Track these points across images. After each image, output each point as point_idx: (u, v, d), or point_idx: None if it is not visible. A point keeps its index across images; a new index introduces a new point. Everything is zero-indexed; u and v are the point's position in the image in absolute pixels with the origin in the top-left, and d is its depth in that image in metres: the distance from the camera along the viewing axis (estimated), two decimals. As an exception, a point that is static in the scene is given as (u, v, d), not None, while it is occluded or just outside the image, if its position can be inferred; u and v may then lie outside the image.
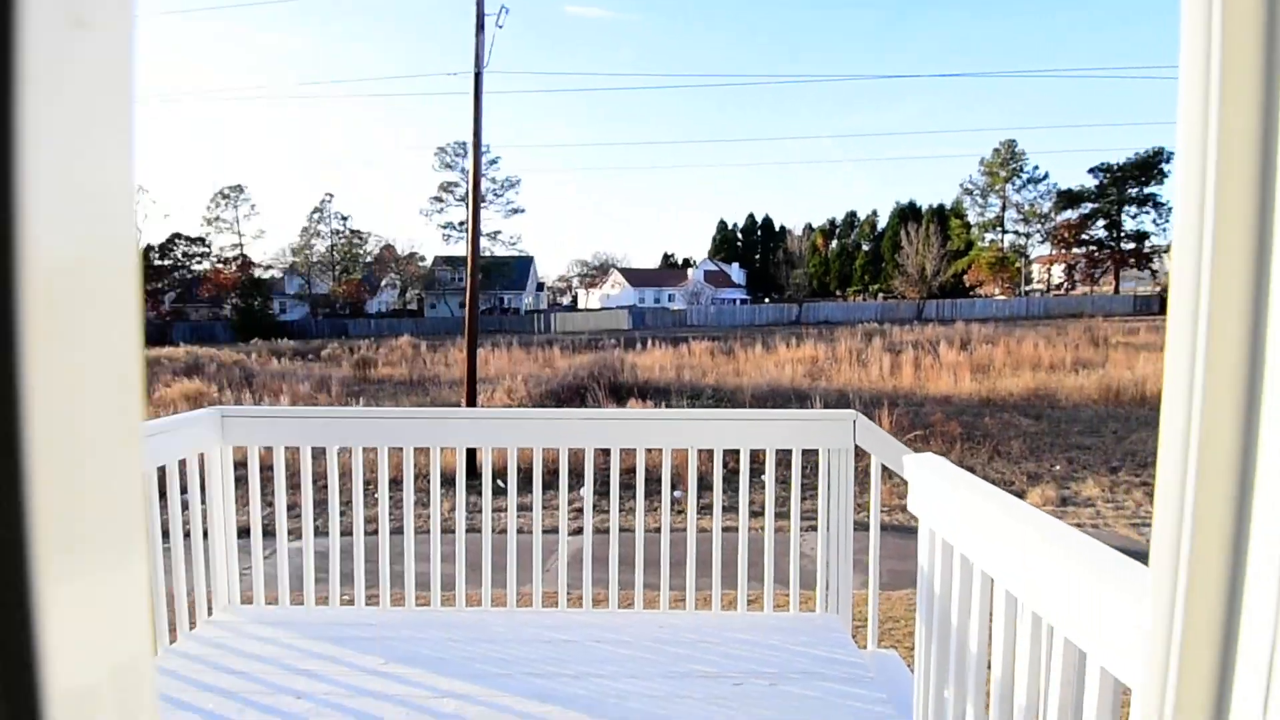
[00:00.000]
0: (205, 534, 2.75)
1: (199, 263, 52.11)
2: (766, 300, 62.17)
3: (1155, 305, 44.70)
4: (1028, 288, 56.15)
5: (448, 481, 8.44)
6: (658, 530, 2.97)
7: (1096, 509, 8.85)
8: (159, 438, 2.45)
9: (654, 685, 2.33)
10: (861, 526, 2.83)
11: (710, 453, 2.90)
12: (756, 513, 8.44)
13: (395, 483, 6.56)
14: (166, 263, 50.90)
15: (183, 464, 2.63)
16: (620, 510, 2.95)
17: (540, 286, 66.21)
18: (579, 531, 6.54)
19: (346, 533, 2.79)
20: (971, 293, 55.72)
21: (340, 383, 17.87)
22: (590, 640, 2.64)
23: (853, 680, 2.37)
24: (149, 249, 50.48)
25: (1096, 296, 48.97)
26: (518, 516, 2.92)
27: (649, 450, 2.93)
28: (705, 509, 7.68)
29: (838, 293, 68.42)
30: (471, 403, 11.24)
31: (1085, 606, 1.23)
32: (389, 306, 57.86)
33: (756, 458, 2.95)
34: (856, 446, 2.83)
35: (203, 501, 2.75)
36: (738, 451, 2.87)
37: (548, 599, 2.95)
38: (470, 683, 2.33)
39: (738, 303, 59.01)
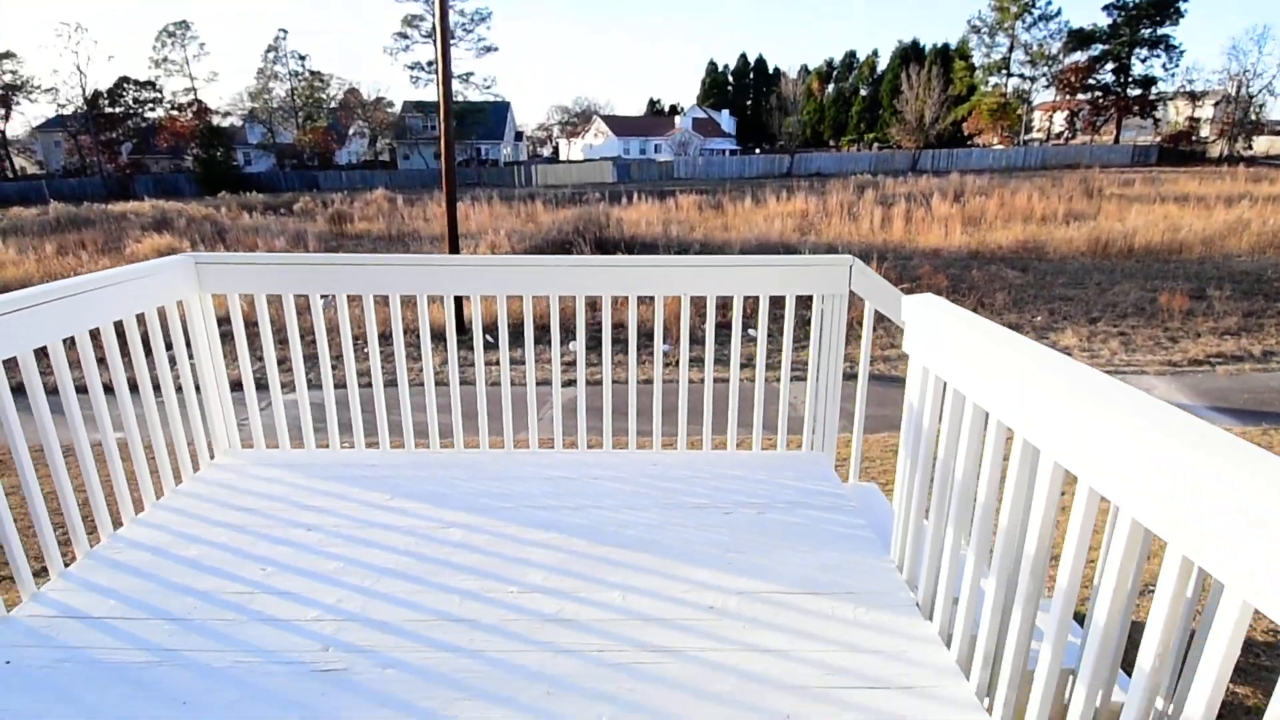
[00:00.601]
0: (197, 388, 2.74)
1: (151, 109, 48.63)
2: (757, 151, 59.68)
3: (1154, 155, 43.53)
4: (1027, 137, 54.20)
5: (437, 336, 8.46)
6: (649, 382, 3.00)
7: (1071, 357, 9.13)
8: (131, 284, 2.36)
9: (649, 515, 2.45)
10: (848, 377, 2.87)
11: (702, 303, 2.87)
12: (746, 365, 8.62)
13: (384, 337, 6.55)
14: (118, 110, 47.43)
15: (163, 314, 2.56)
16: (612, 364, 2.96)
17: (519, 136, 62.86)
18: (571, 384, 6.66)
19: (340, 385, 2.79)
20: (969, 142, 53.77)
21: (317, 238, 17.36)
22: (587, 478, 2.74)
23: (835, 508, 2.51)
24: (97, 95, 46.82)
25: (1096, 146, 47.46)
26: (510, 370, 2.92)
27: (642, 300, 2.89)
28: (696, 361, 7.82)
29: (831, 143, 65.76)
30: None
31: (1078, 431, 1.26)
32: (359, 157, 55.05)
33: (749, 308, 2.92)
34: (851, 293, 2.80)
35: (190, 354, 2.71)
36: (730, 301, 2.84)
37: (543, 445, 3.03)
38: (474, 515, 2.44)
39: (727, 153, 56.67)
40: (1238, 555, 0.94)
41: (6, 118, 48.48)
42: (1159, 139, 48.07)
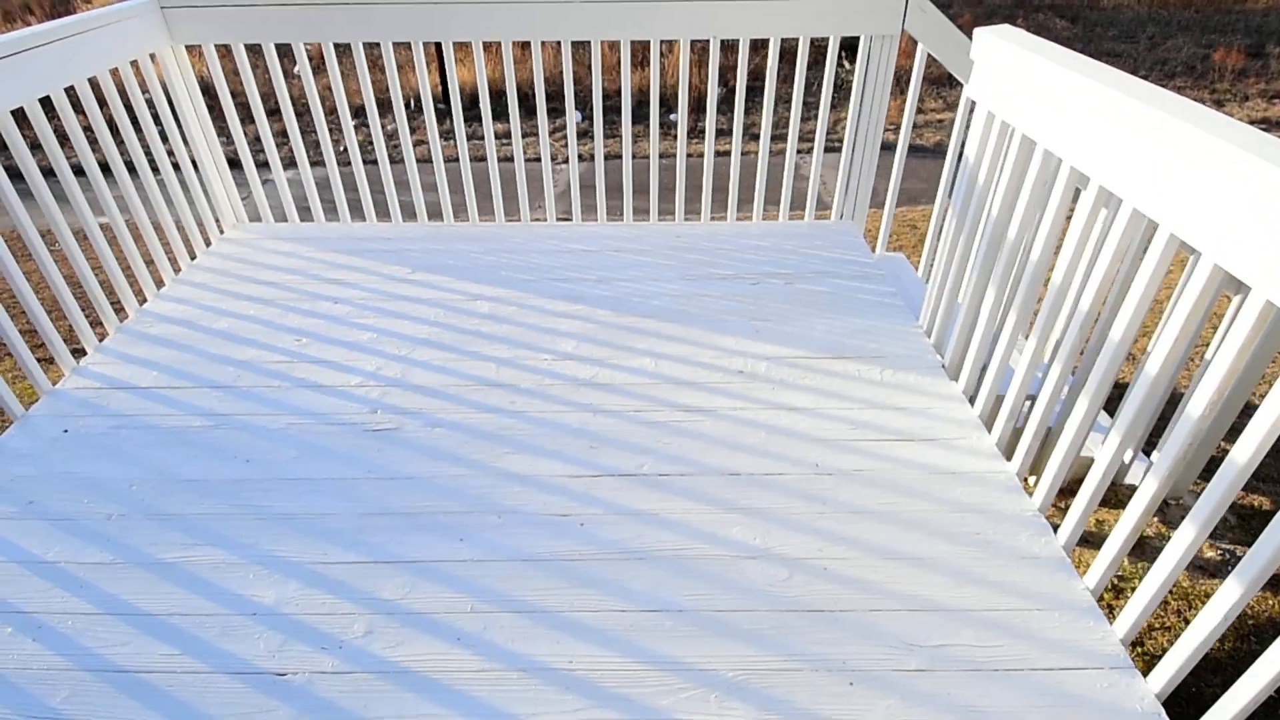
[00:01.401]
0: (193, 160, 2.56)
1: None
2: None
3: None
4: None
5: (437, 104, 7.82)
6: (671, 157, 2.78)
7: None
8: (87, 35, 2.08)
9: (674, 287, 2.42)
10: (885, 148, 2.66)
11: (729, 55, 2.55)
12: (777, 137, 8.12)
13: (383, 105, 6.06)
14: None
15: (138, 70, 2.30)
16: (633, 138, 2.72)
17: None
18: (589, 158, 6.30)
19: (344, 164, 2.59)
20: None
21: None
22: (609, 250, 2.67)
23: (864, 277, 2.47)
24: None
25: None
26: (522, 142, 2.70)
27: (665, 46, 2.57)
28: (722, 134, 7.33)
29: None
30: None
31: (1167, 179, 1.15)
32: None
33: (785, 55, 2.60)
34: (904, 33, 2.49)
35: (175, 118, 2.48)
36: (763, 53, 2.53)
37: (561, 219, 2.92)
38: (499, 288, 2.42)
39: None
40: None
41: None
42: None
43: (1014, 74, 1.62)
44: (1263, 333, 1.22)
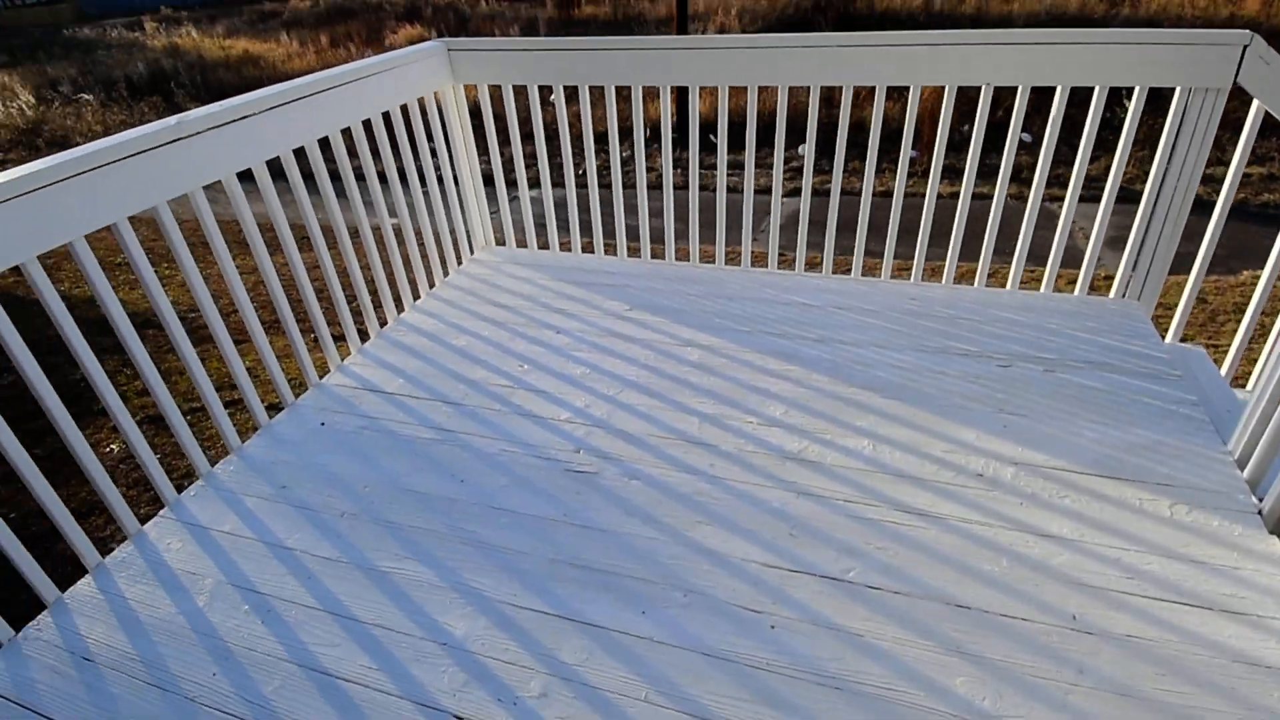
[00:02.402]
0: (455, 179, 2.83)
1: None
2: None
3: None
4: None
5: (677, 137, 8.14)
6: (887, 194, 2.53)
7: None
8: (393, 73, 2.37)
9: (904, 358, 2.18)
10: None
11: (974, 96, 2.25)
12: (1018, 179, 7.28)
13: (623, 132, 6.44)
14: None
15: (422, 105, 2.58)
16: (876, 171, 2.52)
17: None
18: (824, 193, 6.10)
19: (581, 186, 2.73)
20: None
21: (546, 24, 17.11)
22: (831, 307, 2.49)
23: (1152, 376, 2.03)
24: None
25: None
26: (755, 176, 2.62)
27: (926, 92, 2.34)
28: (988, 173, 6.76)
29: None
30: (684, 44, 10.21)
31: None
32: (588, -70, 51.77)
33: (1035, 103, 2.24)
34: (1236, 87, 2.02)
35: (447, 144, 2.76)
36: (1011, 98, 2.20)
37: (783, 264, 2.79)
38: (711, 335, 2.35)
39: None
40: None
41: (281, -93, 51.99)
42: None
43: None
44: None
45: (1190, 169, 2.16)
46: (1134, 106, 2.14)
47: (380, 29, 18.57)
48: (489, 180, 2.99)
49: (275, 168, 1.96)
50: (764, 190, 7.44)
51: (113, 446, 3.83)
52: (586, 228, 2.95)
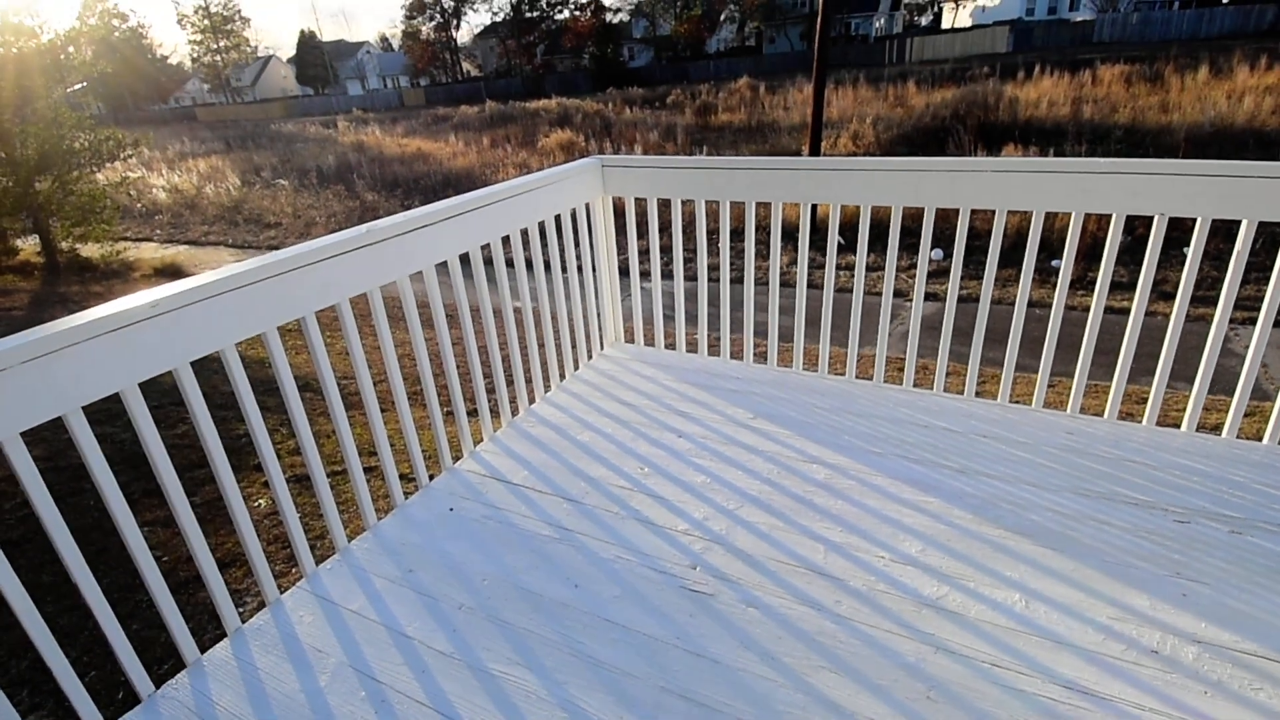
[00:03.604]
0: (594, 280, 2.98)
1: (559, 12, 55.20)
2: (1225, 1, 43.97)
3: None
4: None
5: (788, 236, 8.23)
6: (1082, 309, 2.35)
7: None
8: (555, 186, 2.57)
9: (1061, 501, 1.98)
10: None
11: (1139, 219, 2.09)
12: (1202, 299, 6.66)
13: (760, 230, 6.63)
14: (535, 15, 54.96)
15: (574, 215, 2.77)
16: (1036, 280, 2.39)
17: (895, 4, 56.09)
18: (969, 300, 5.88)
19: (713, 279, 2.79)
20: None
21: (684, 130, 18.14)
22: (974, 434, 2.33)
23: (1376, 553, 1.71)
24: (520, 2, 54.75)
25: None
26: (890, 279, 2.56)
27: (1090, 217, 2.22)
28: (1124, 288, 6.25)
29: (1370, -25, 44.94)
30: (815, 151, 10.44)
31: None
32: (728, 44, 55.38)
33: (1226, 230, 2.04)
34: None
35: (591, 246, 2.93)
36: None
37: (920, 376, 2.66)
38: (839, 453, 2.26)
39: (1175, 6, 42.91)
40: None
41: (457, 26, 59.78)
42: None
43: None
44: None
45: None
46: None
47: (535, 132, 20.47)
48: (624, 270, 3.09)
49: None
50: (901, 293, 7.26)
51: (260, 502, 4.17)
52: (715, 321, 2.98)
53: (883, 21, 51.56)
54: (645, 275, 2.94)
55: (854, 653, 1.53)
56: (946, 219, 2.59)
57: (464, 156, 18.49)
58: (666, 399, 2.67)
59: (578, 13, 53.55)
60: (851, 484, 2.11)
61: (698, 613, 1.66)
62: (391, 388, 2.09)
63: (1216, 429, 2.30)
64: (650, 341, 3.17)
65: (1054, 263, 8.50)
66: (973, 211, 2.34)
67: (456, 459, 2.38)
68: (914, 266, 7.96)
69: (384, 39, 77.76)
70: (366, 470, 4.57)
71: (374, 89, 61.76)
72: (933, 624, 1.59)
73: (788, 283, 8.45)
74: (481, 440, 2.48)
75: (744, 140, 16.89)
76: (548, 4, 55.01)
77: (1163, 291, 6.79)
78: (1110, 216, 2.15)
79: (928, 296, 6.58)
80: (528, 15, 54.35)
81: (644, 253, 3.06)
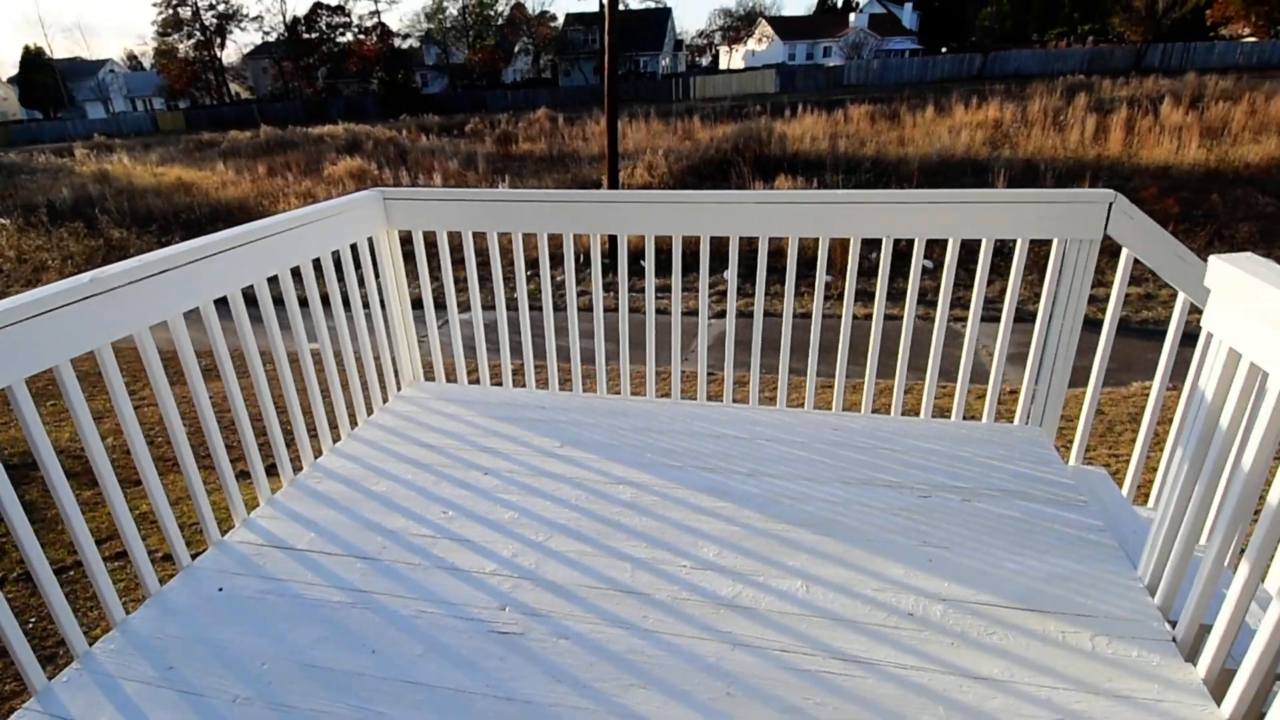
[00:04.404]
0: (385, 319, 2.83)
1: (342, 35, 52.31)
2: (943, 50, 53.01)
3: None
4: (1296, 22, 43.47)
5: (608, 265, 8.48)
6: (834, 317, 2.68)
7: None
8: (328, 221, 2.41)
9: (831, 490, 2.21)
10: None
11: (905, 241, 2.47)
12: (925, 304, 7.82)
13: (553, 259, 6.69)
14: (313, 36, 51.53)
15: (354, 248, 2.62)
16: (796, 296, 2.66)
17: (678, 45, 60.52)
18: (747, 315, 6.40)
19: (511, 308, 2.77)
20: (1212, 34, 44.10)
21: (485, 159, 18.00)
22: (760, 439, 2.54)
23: (1060, 502, 2.12)
24: (295, 22, 51.07)
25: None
26: (681, 296, 2.73)
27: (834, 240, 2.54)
28: (890, 298, 7.14)
29: (1035, 37, 56.80)
30: (614, 181, 10.89)
31: None
32: (523, 75, 56.04)
33: (939, 251, 2.48)
34: (1106, 238, 2.28)
35: (378, 282, 2.78)
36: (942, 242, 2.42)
37: (710, 391, 2.86)
38: (644, 472, 2.34)
39: (907, 54, 50.98)
40: None
41: (222, 45, 54.35)
42: None
43: (1266, 314, 1.36)
44: None
45: (1074, 308, 2.38)
46: (1019, 253, 2.38)
47: (320, 160, 19.07)
48: (417, 303, 2.97)
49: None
50: (691, 312, 7.75)
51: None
52: (517, 349, 2.95)
53: (668, 60, 55.30)
54: (442, 309, 2.83)
55: (661, 664, 1.59)
56: (724, 245, 2.84)
57: (236, 186, 16.74)
58: (471, 436, 2.60)
59: (362, 36, 51.12)
60: (655, 499, 2.20)
61: (508, 655, 1.62)
62: (135, 457, 1.81)
63: (971, 418, 2.71)
64: (452, 378, 3.07)
65: (826, 278, 9.64)
66: (743, 239, 2.58)
67: (226, 530, 2.12)
68: (715, 288, 8.57)
69: (132, 56, 68.56)
70: (114, 557, 3.91)
71: (121, 112, 53.93)
72: (730, 622, 1.70)
73: (587, 308, 8.64)
74: (257, 505, 2.23)
75: (546, 170, 17.13)
76: (328, 25, 51.89)
77: (929, 301, 7.95)
78: (869, 239, 2.48)
79: (723, 314, 7.11)
80: (305, 36, 50.84)
81: (450, 285, 2.96)
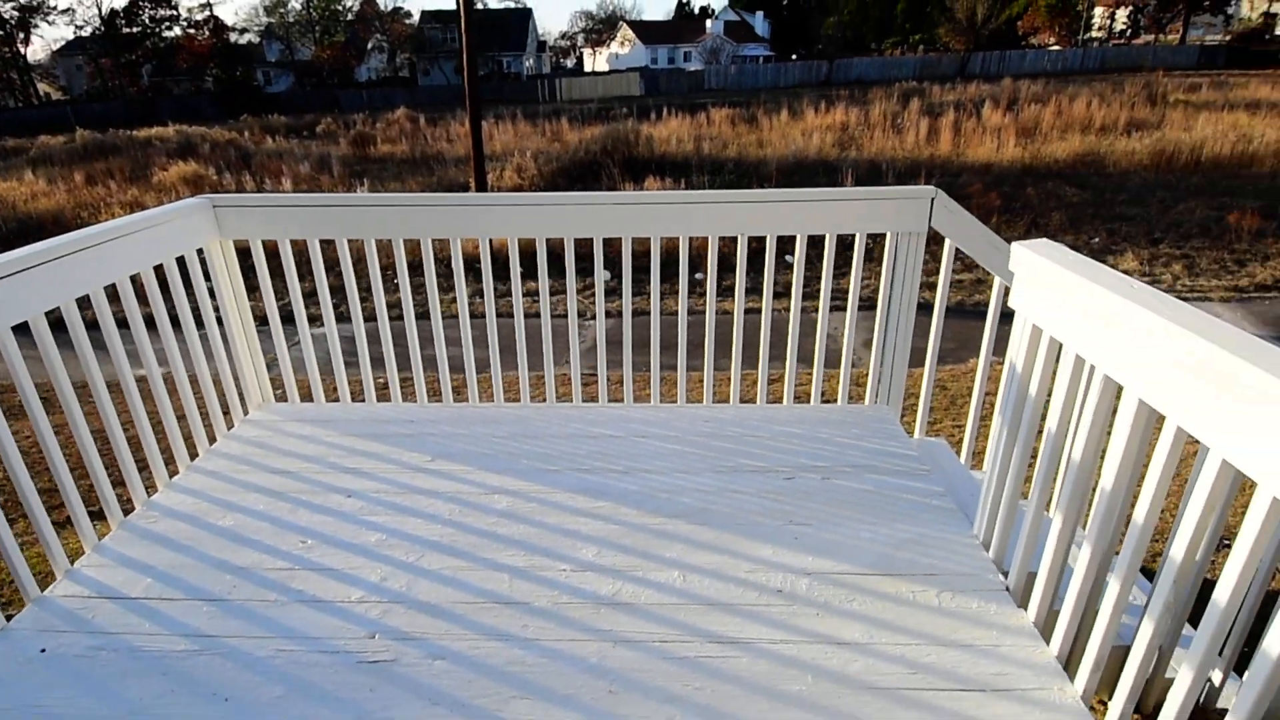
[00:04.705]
0: (225, 340, 2.60)
1: (169, 29, 47.49)
2: (794, 57, 56.30)
3: (1221, 57, 39.86)
4: (1085, 36, 50.23)
5: (468, 268, 8.22)
6: (701, 312, 2.76)
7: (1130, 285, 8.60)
8: (144, 234, 2.17)
9: (704, 480, 2.28)
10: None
11: (756, 237, 2.60)
12: (784, 295, 8.27)
13: (413, 268, 6.38)
14: (135, 30, 46.40)
15: (183, 264, 2.38)
16: (662, 297, 2.73)
17: (541, 47, 60.16)
18: (609, 316, 6.46)
19: (370, 318, 2.62)
20: (1024, 43, 49.92)
21: (341, 162, 16.99)
22: (635, 435, 2.58)
23: (906, 473, 2.31)
24: (114, 15, 45.77)
25: (1159, 47, 43.73)
26: (549, 304, 2.72)
27: (693, 238, 2.62)
28: (750, 291, 7.46)
29: (874, 46, 61.64)
30: (481, 184, 10.63)
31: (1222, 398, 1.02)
32: (379, 74, 53.44)
33: (811, 243, 2.64)
34: (931, 229, 2.50)
35: (214, 302, 2.55)
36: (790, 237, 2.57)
37: (587, 395, 2.86)
38: (519, 479, 2.30)
39: (761, 60, 53.63)
40: None
41: (26, 42, 47.82)
42: (1228, 38, 44.05)
43: (1057, 291, 1.55)
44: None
45: (908, 294, 2.59)
46: (858, 246, 2.56)
47: (149, 165, 17.24)
48: (261, 320, 2.75)
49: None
50: (562, 315, 7.75)
51: None
52: (379, 363, 2.79)
53: (532, 61, 54.82)
54: (292, 324, 2.62)
55: (542, 671, 1.57)
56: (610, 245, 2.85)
57: (49, 197, 14.76)
58: (331, 458, 2.44)
59: (192, 30, 46.66)
60: (531, 506, 2.17)
61: (380, 684, 1.54)
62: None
63: (828, 399, 2.87)
64: (308, 396, 2.87)
65: (697, 275, 9.93)
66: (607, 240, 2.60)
67: (46, 585, 1.86)
68: (586, 289, 8.59)
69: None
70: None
71: (-112, 112, 45.95)
72: (611, 620, 1.71)
73: (453, 315, 8.42)
74: (82, 554, 1.98)
75: (409, 172, 16.44)
76: (151, 19, 46.93)
77: (808, 293, 8.37)
78: (731, 237, 2.57)
79: (594, 317, 7.15)
80: (125, 31, 45.72)
81: (309, 296, 2.74)
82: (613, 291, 7.93)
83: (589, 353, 6.72)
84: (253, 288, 2.67)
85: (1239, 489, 1.52)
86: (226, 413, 2.65)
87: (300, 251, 2.62)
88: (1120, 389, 1.37)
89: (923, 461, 2.37)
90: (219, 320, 2.57)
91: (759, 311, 2.76)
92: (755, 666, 1.58)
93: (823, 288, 2.63)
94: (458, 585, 1.84)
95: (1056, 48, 46.25)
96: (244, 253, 2.59)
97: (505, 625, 1.70)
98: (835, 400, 2.84)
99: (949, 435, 4.91)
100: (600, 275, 2.66)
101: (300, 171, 15.34)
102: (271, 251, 2.60)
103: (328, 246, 2.62)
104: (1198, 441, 1.18)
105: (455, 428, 2.64)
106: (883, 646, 1.63)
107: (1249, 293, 8.04)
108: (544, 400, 2.85)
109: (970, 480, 2.49)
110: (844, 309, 2.68)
